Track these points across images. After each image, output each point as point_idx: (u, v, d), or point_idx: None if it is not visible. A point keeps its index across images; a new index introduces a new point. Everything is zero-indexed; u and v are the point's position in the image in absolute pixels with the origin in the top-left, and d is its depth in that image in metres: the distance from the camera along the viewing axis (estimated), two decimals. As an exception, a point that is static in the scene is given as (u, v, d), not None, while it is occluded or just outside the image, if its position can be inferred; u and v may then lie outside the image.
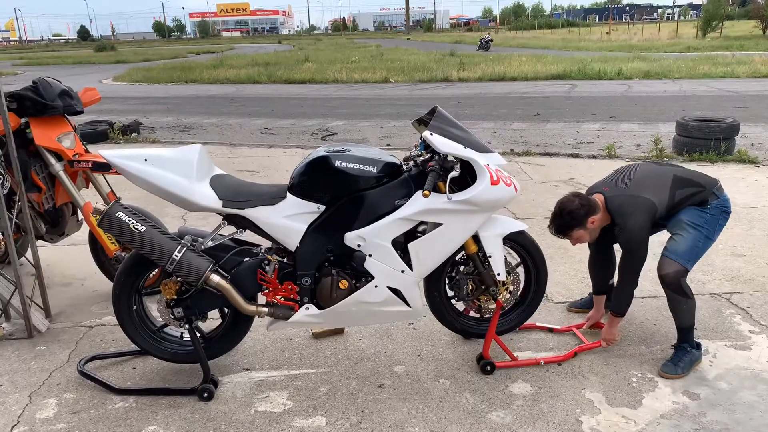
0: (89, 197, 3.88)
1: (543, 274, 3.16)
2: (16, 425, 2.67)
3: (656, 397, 2.72)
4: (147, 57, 40.85)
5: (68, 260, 4.58)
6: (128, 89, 20.53)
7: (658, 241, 4.58)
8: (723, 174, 6.59)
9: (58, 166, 3.80)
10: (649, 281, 3.93)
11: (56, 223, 4.10)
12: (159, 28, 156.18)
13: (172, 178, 2.70)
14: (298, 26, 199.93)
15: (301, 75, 21.79)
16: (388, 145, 8.95)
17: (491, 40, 35.50)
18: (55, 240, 4.20)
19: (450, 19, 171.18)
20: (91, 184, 4.07)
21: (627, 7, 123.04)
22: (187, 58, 39.08)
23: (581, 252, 4.45)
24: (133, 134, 10.32)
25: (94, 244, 3.99)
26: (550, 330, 3.33)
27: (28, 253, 3.80)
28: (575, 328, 3.31)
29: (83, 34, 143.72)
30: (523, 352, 3.13)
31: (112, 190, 4.04)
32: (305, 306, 2.84)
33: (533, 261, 3.13)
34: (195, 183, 2.74)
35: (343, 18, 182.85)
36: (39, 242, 3.86)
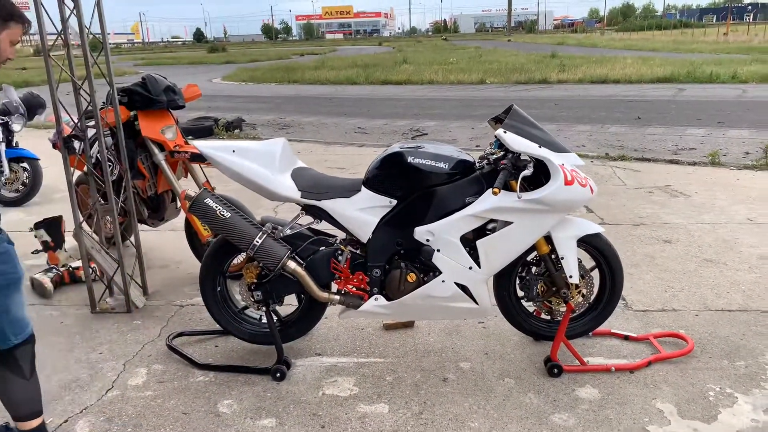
0: (187, 186, 4.17)
1: (619, 279, 3.07)
2: (110, 389, 2.94)
3: (734, 413, 2.58)
4: (254, 58, 42.74)
5: (167, 244, 4.94)
6: (235, 88, 21.61)
7: (754, 253, 4.32)
8: (841, 186, 6.06)
9: (160, 156, 4.12)
10: (740, 294, 3.72)
11: (157, 208, 4.45)
12: (267, 30, 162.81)
13: (256, 168, 2.88)
14: (399, 28, 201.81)
15: (398, 76, 22.03)
16: (477, 146, 8.90)
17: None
18: (156, 225, 4.55)
19: (554, 20, 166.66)
20: (189, 174, 4.38)
21: (749, 6, 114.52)
22: (291, 59, 40.52)
23: (669, 261, 4.28)
24: (236, 131, 10.88)
25: (190, 230, 4.28)
26: (626, 337, 3.22)
27: (132, 236, 4.14)
28: (653, 337, 3.19)
29: (198, 36, 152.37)
30: (594, 358, 3.06)
31: (207, 180, 4.32)
32: (374, 296, 2.93)
33: (609, 265, 3.05)
34: (277, 174, 2.90)
35: (444, 20, 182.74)
36: (141, 226, 4.20)
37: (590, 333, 3.22)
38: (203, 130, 10.30)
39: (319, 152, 8.82)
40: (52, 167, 6.09)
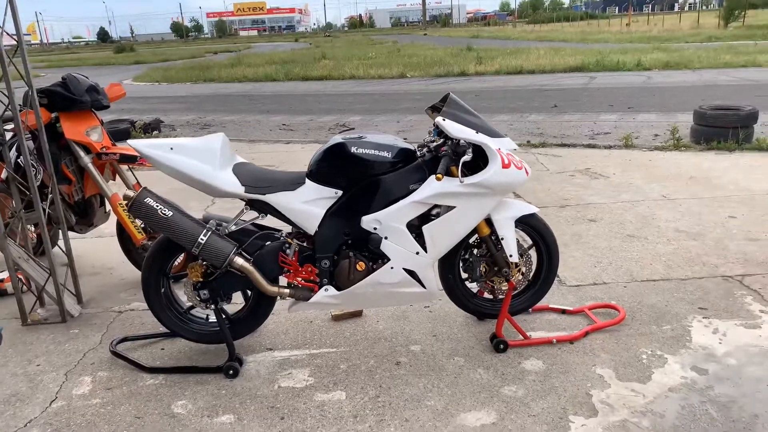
0: (116, 189, 4.03)
1: (555, 256, 3.24)
2: (54, 400, 2.83)
3: (665, 372, 2.80)
4: (166, 57, 41.32)
5: (96, 251, 4.75)
6: (148, 89, 20.84)
7: (670, 227, 4.65)
8: (741, 162, 6.59)
9: (86, 159, 3.96)
10: (662, 264, 4.00)
11: (85, 214, 4.27)
12: (177, 28, 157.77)
13: (197, 165, 2.84)
14: (314, 24, 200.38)
15: (318, 72, 21.92)
16: (405, 139, 9.01)
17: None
18: (84, 231, 4.37)
19: (467, 13, 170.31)
20: (117, 176, 4.23)
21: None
22: (205, 57, 39.44)
23: (595, 238, 4.54)
24: (155, 132, 10.53)
25: (122, 234, 4.14)
26: (563, 311, 3.41)
27: (61, 243, 3.97)
28: (588, 309, 3.39)
29: (103, 36, 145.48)
30: (536, 332, 3.22)
31: (138, 182, 4.18)
32: (324, 287, 2.96)
33: (545, 243, 3.21)
34: (219, 170, 2.87)
35: (360, 15, 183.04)
36: (69, 233, 4.02)
37: (530, 309, 3.38)
38: (119, 132, 9.89)
39: (244, 150, 8.71)
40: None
